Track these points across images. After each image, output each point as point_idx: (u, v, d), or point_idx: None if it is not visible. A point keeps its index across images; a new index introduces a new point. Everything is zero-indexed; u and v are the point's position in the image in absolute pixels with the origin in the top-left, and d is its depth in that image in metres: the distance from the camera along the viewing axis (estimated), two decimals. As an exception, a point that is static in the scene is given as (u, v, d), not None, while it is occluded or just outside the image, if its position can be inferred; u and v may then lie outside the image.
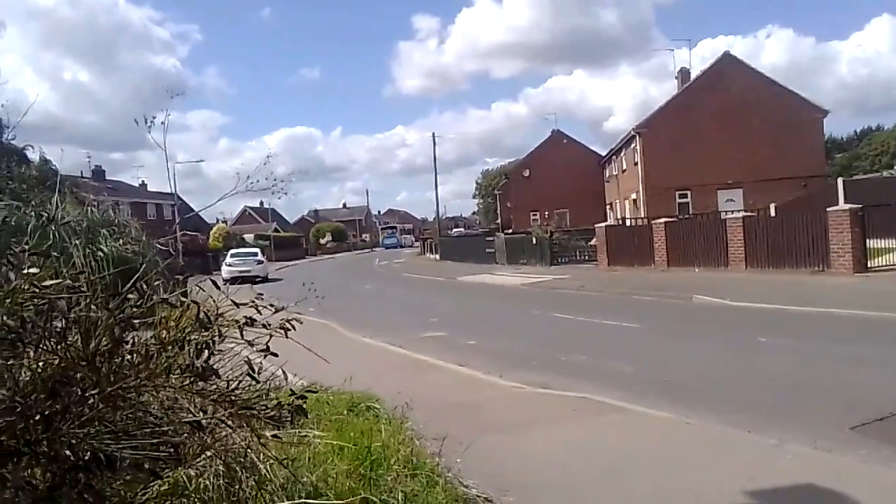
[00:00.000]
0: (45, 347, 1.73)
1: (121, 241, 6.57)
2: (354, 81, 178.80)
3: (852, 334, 9.72)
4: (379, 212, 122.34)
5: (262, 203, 74.25)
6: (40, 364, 1.77)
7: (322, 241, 79.48)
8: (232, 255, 34.14)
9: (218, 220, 57.66)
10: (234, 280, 23.67)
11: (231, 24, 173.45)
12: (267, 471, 2.74)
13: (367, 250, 78.77)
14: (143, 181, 59.89)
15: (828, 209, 16.77)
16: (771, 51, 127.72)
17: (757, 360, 8.46)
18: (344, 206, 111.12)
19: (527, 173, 54.50)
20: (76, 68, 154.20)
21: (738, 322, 11.63)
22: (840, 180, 24.62)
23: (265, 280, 29.70)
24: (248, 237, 56.82)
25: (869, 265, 16.14)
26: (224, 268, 31.11)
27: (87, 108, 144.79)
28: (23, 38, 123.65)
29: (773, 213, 21.72)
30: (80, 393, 1.74)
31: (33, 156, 13.59)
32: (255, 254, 35.41)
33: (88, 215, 6.72)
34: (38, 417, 1.69)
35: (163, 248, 7.30)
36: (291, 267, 44.29)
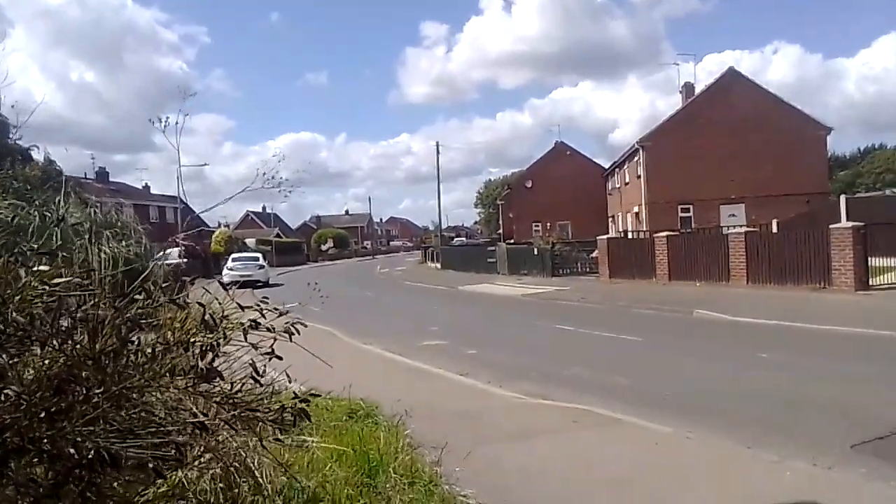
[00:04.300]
0: (51, 345, 1.74)
1: (123, 243, 6.58)
2: (360, 87, 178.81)
3: (853, 352, 9.70)
4: (381, 219, 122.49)
5: (264, 208, 74.50)
6: (46, 361, 1.78)
7: (323, 248, 79.48)
8: (233, 260, 34.16)
9: (220, 224, 57.65)
10: (234, 284, 23.72)
11: (239, 27, 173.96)
12: (265, 475, 2.74)
13: (368, 257, 78.83)
14: (146, 183, 60.04)
15: (830, 226, 16.76)
16: (778, 67, 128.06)
17: (757, 375, 8.43)
18: (346, 212, 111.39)
19: (529, 184, 54.69)
20: (82, 69, 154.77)
21: (738, 337, 11.60)
22: (843, 197, 24.62)
23: (266, 285, 29.67)
24: (250, 241, 56.87)
25: (870, 283, 16.10)
26: (225, 272, 31.07)
27: (93, 108, 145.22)
28: (30, 38, 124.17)
29: (775, 229, 21.71)
30: (84, 391, 1.75)
31: (37, 156, 13.65)
32: (257, 258, 35.45)
33: (91, 216, 6.74)
34: (42, 415, 1.70)
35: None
36: (292, 272, 44.27)
